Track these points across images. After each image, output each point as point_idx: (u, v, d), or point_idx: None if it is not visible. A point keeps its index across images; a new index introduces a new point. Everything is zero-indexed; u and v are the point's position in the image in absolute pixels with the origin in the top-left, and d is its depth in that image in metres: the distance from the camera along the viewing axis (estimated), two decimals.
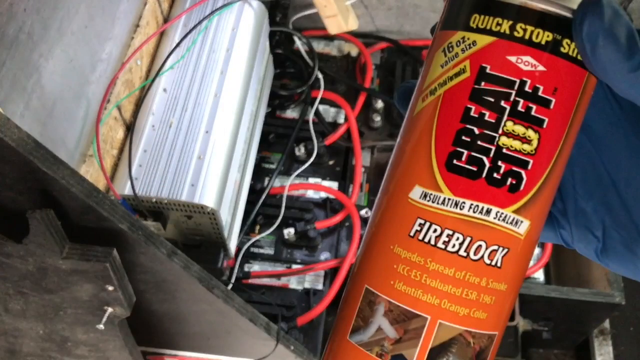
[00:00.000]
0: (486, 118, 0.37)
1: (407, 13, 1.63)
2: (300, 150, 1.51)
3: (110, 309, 0.87)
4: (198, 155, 1.16)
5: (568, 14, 0.36)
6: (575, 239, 0.44)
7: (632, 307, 1.33)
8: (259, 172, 1.48)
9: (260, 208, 1.43)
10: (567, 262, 1.55)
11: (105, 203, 0.77)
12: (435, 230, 0.38)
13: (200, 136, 1.18)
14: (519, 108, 0.36)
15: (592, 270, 1.39)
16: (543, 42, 0.36)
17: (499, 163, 0.37)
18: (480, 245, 0.37)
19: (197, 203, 1.12)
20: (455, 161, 0.37)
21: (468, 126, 0.37)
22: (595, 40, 0.35)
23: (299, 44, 1.59)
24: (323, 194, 1.47)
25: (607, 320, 1.50)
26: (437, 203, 0.38)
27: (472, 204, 0.37)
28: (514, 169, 0.37)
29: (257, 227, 1.43)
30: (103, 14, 1.10)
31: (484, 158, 0.37)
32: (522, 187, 0.37)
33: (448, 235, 0.37)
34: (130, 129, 1.20)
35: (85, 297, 0.85)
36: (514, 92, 0.36)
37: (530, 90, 0.36)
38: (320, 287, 1.37)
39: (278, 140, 1.54)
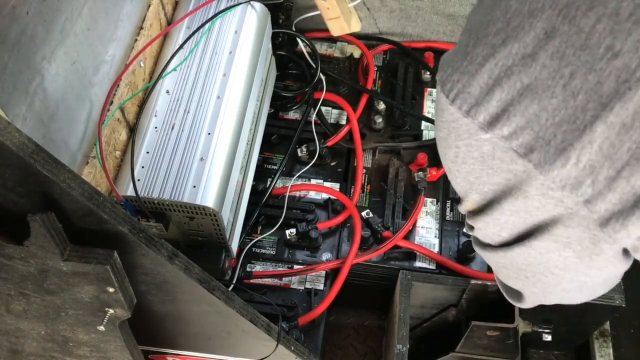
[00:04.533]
0: None
1: (409, 15, 1.64)
2: (302, 152, 1.51)
3: (111, 311, 0.87)
4: (200, 156, 1.16)
5: None
6: None
7: (632, 310, 1.33)
8: (261, 173, 1.49)
9: (262, 209, 1.43)
10: None
11: (106, 206, 0.78)
12: None
13: (202, 138, 1.18)
14: None
15: None
16: None
17: None
18: None
19: (199, 204, 1.12)
20: None
21: None
22: None
23: (301, 45, 1.60)
24: (325, 195, 1.47)
25: (607, 322, 1.50)
26: None
27: None
28: None
29: (259, 228, 1.44)
30: (106, 16, 1.11)
31: None
32: None
33: None
34: (133, 130, 1.20)
35: (87, 298, 0.85)
36: None
37: None
38: (321, 287, 1.37)
39: (280, 142, 1.55)
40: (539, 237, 0.60)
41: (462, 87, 0.57)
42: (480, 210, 0.64)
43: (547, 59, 0.52)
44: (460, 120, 0.58)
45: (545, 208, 0.57)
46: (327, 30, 1.56)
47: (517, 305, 0.77)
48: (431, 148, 1.53)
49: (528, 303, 0.75)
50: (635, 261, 0.65)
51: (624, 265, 0.62)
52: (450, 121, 0.59)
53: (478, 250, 0.71)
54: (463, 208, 0.67)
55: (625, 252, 0.60)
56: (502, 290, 0.79)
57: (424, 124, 1.57)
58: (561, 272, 0.64)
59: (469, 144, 0.59)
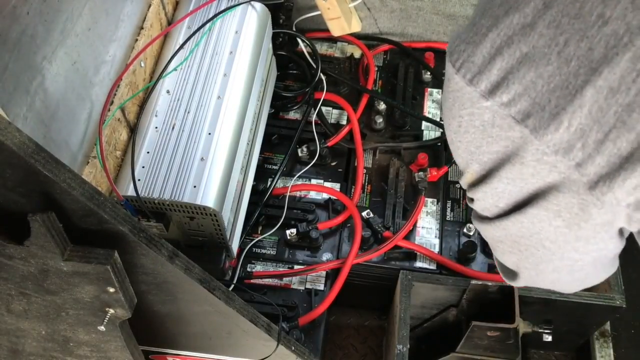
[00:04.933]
0: None
1: (410, 15, 1.64)
2: (302, 152, 1.51)
3: (111, 311, 0.87)
4: (200, 156, 1.16)
5: None
6: None
7: (633, 310, 1.33)
8: (262, 173, 1.49)
9: (263, 209, 1.43)
10: None
11: (107, 206, 0.78)
12: None
13: (202, 138, 1.18)
14: None
15: None
16: None
17: None
18: None
19: (199, 204, 1.12)
20: None
21: None
22: None
23: (302, 45, 1.60)
24: (325, 195, 1.47)
25: (608, 323, 1.50)
26: None
27: None
28: None
29: (260, 228, 1.44)
30: (107, 16, 1.11)
31: None
32: None
33: None
34: (133, 130, 1.20)
35: (87, 298, 0.85)
36: None
37: None
38: (321, 287, 1.37)
39: (281, 142, 1.55)
40: (533, 205, 0.63)
41: (467, 56, 0.60)
42: (480, 180, 0.67)
43: (545, 28, 0.55)
44: (464, 89, 0.61)
45: (540, 175, 0.59)
46: (327, 30, 1.56)
47: (513, 284, 0.80)
48: (432, 148, 1.53)
49: (522, 281, 0.78)
50: (635, 262, 0.66)
51: (613, 243, 0.65)
52: (455, 90, 0.62)
53: (476, 224, 0.74)
54: (464, 181, 0.70)
55: (620, 233, 0.63)
56: (498, 270, 0.82)
57: (424, 124, 1.57)
58: (552, 245, 0.66)
59: (472, 112, 0.62)
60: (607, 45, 0.51)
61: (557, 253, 0.67)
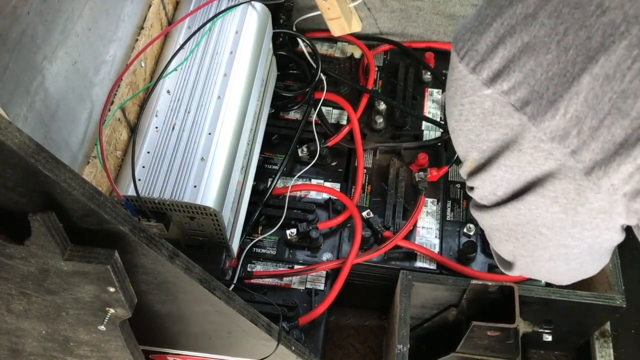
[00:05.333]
0: None
1: (410, 15, 1.64)
2: (303, 152, 1.51)
3: (111, 310, 0.87)
4: (201, 156, 1.16)
5: None
6: None
7: (633, 310, 1.33)
8: (262, 173, 1.49)
9: (263, 209, 1.43)
10: None
11: (107, 205, 0.78)
12: None
13: (203, 138, 1.18)
14: None
15: None
16: None
17: None
18: None
19: (200, 204, 1.12)
20: None
21: None
22: None
23: (302, 45, 1.60)
24: (325, 195, 1.47)
25: (608, 323, 1.50)
26: None
27: None
28: None
29: (260, 228, 1.44)
30: (107, 16, 1.11)
31: None
32: None
33: None
34: (134, 130, 1.20)
35: (87, 298, 0.85)
36: None
37: None
38: (322, 287, 1.37)
39: (281, 142, 1.55)
40: (531, 192, 0.64)
41: (471, 45, 0.62)
42: (479, 169, 0.68)
43: (546, 18, 0.56)
44: (467, 77, 0.63)
45: (537, 162, 0.61)
46: (327, 30, 1.56)
47: (509, 273, 0.82)
48: (432, 148, 1.53)
49: (518, 270, 0.80)
50: (635, 262, 0.67)
51: (609, 234, 0.65)
52: (458, 79, 0.64)
53: (474, 212, 0.75)
54: (463, 170, 0.71)
55: (621, 228, 0.64)
56: (495, 261, 0.84)
57: (424, 124, 1.57)
58: (548, 231, 0.67)
59: (473, 100, 0.63)
60: (605, 34, 0.52)
61: (553, 239, 0.68)
